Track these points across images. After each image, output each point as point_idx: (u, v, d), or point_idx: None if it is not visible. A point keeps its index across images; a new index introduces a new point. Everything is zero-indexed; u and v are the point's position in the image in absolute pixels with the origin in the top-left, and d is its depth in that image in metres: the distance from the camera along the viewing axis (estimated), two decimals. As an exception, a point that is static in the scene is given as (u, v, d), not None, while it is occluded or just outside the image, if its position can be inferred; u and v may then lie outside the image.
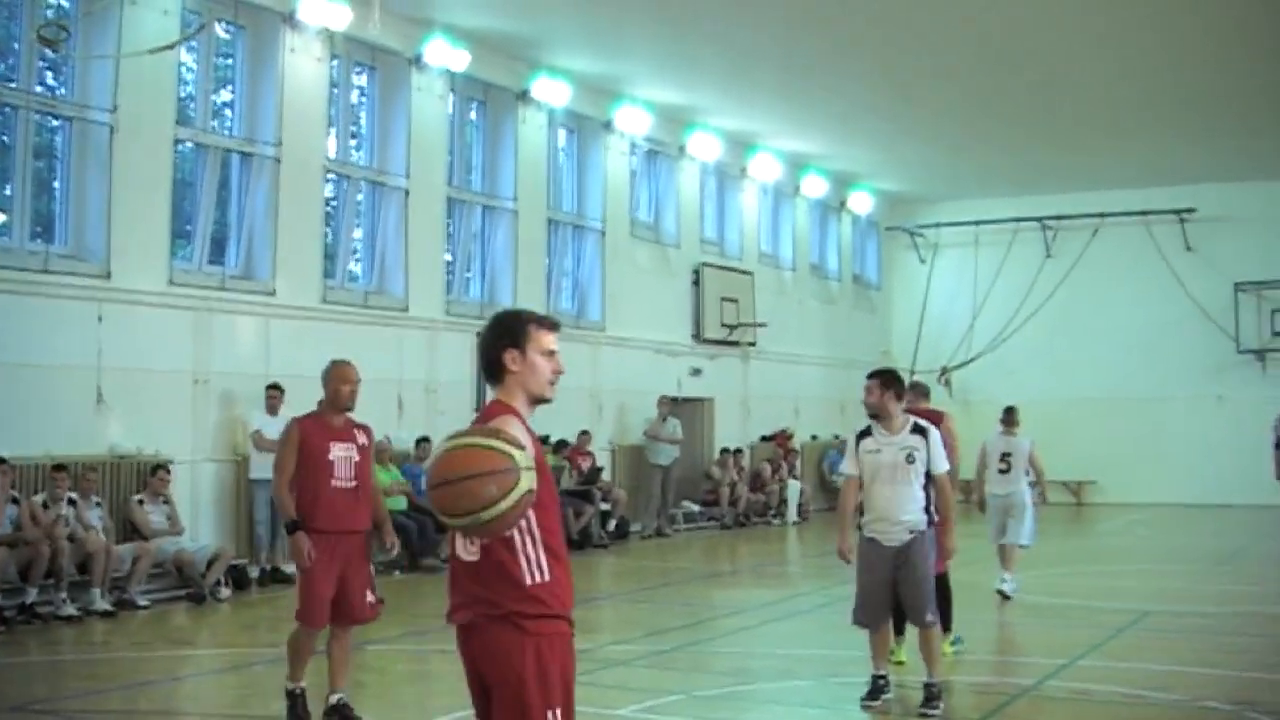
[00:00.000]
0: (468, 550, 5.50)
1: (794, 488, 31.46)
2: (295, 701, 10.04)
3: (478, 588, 5.47)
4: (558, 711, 5.42)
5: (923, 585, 10.75)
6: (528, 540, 5.41)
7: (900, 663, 12.09)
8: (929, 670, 10.77)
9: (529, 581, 5.41)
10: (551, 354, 5.72)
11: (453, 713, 10.59)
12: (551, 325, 5.80)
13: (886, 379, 11.12)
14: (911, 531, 10.75)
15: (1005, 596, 17.15)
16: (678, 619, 16.93)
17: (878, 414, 10.99)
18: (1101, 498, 35.88)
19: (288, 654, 10.21)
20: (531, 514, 5.34)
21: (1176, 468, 34.53)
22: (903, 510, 10.76)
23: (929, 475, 10.85)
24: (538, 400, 5.73)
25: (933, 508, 10.91)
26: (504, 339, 5.67)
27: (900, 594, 10.82)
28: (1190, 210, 36.32)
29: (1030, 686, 11.85)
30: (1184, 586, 19.26)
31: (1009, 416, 18.50)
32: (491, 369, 5.70)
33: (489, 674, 5.49)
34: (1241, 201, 35.87)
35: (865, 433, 11.08)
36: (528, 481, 5.07)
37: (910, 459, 10.77)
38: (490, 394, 5.83)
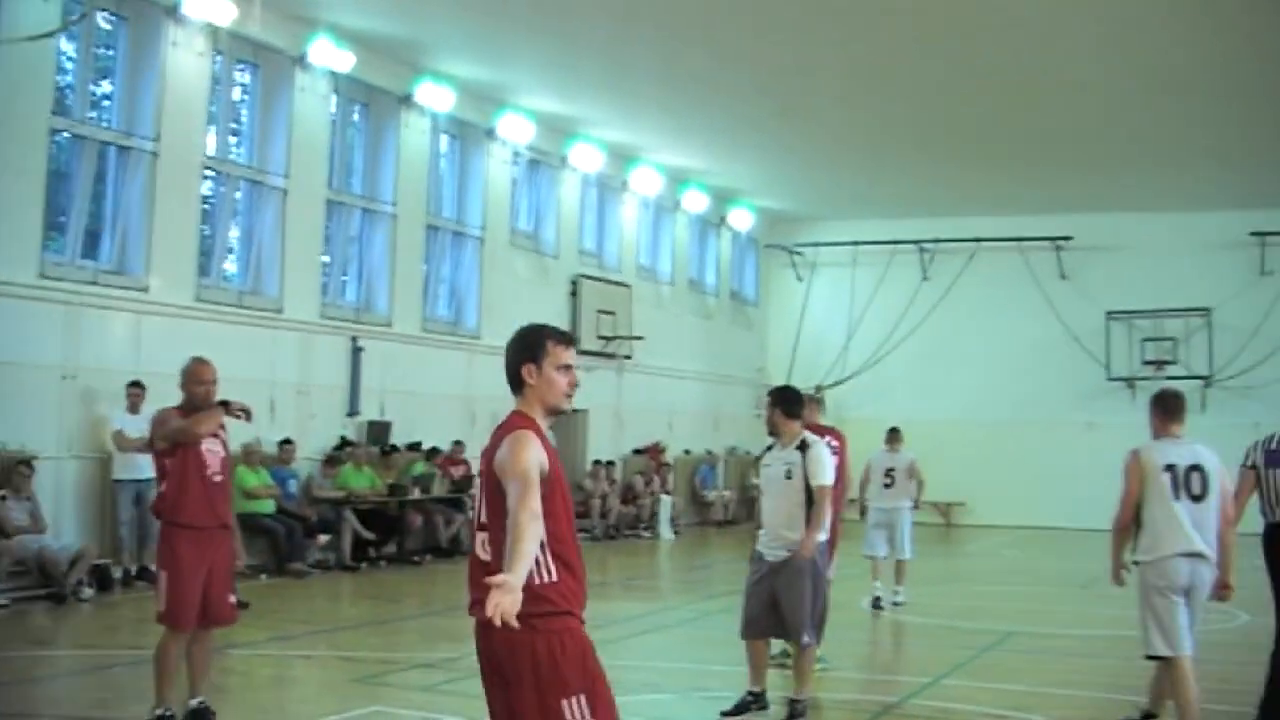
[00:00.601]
0: (484, 550, 5.88)
1: (666, 502, 31.52)
2: None
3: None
4: (580, 699, 5.71)
5: (801, 604, 10.71)
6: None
7: (820, 661, 12.14)
8: (798, 686, 10.85)
9: (537, 582, 5.62)
10: (567, 368, 6.17)
11: (314, 718, 10.52)
12: (568, 341, 6.22)
13: (776, 396, 11.28)
14: (790, 550, 10.77)
15: (879, 608, 18.21)
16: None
17: (770, 432, 11.25)
18: (970, 519, 36.29)
19: (156, 671, 9.88)
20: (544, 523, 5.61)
21: (1044, 492, 34.96)
22: (782, 525, 10.86)
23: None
24: (554, 411, 6.17)
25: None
26: (523, 353, 6.11)
27: (781, 611, 10.79)
28: (1067, 238, 36.95)
29: (894, 704, 11.94)
30: (1047, 608, 19.51)
31: (893, 435, 19.78)
32: (513, 381, 6.14)
33: (506, 668, 5.75)
34: (1116, 232, 36.56)
35: (767, 449, 11.37)
36: None
37: (788, 475, 10.88)
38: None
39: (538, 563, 5.62)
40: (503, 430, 5.96)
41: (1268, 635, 10.34)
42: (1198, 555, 9.76)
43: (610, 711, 5.89)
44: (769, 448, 11.36)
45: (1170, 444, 10.01)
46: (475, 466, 25.52)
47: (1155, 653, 9.92)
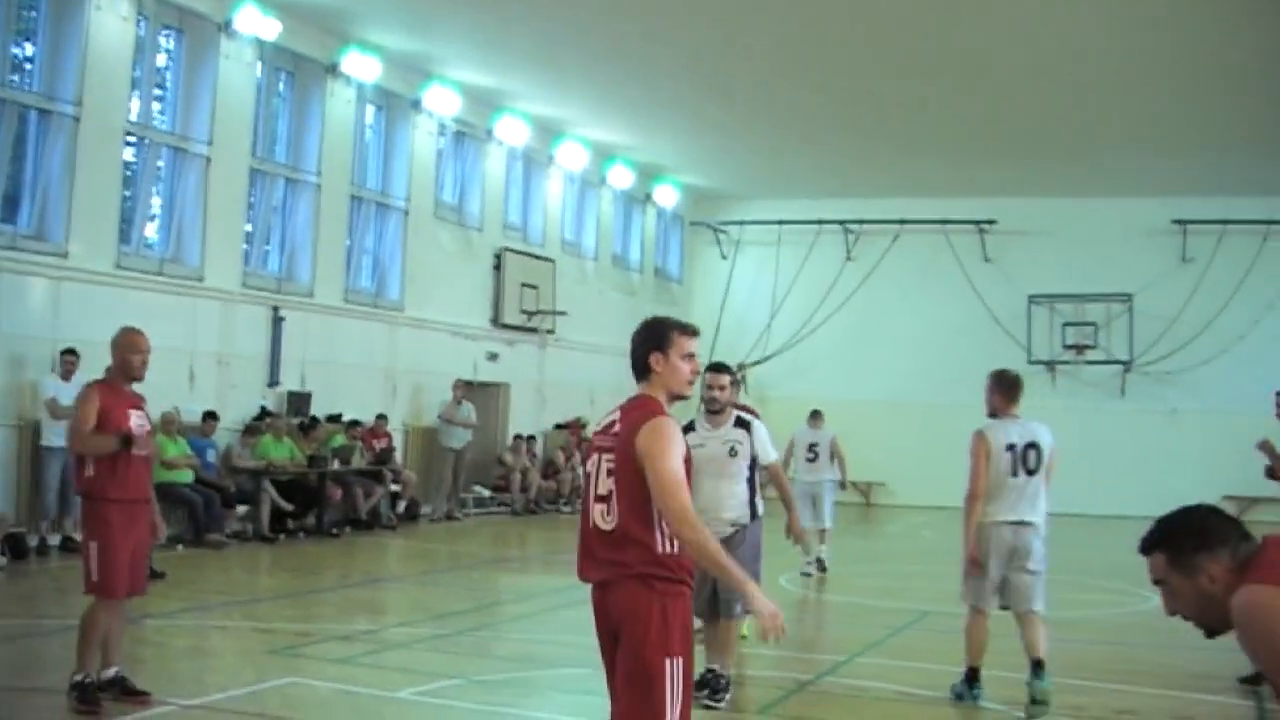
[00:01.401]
0: (604, 520, 6.38)
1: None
2: (86, 689, 9.69)
3: (614, 553, 6.29)
4: (679, 660, 6.18)
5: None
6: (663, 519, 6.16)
7: (743, 637, 12.20)
8: (722, 660, 10.80)
9: (660, 551, 6.20)
10: (690, 357, 6.60)
11: (229, 690, 10.49)
12: (692, 332, 6.66)
13: (731, 373, 11.26)
14: (734, 525, 10.73)
15: (823, 567, 20.17)
16: (463, 603, 16.92)
17: (720, 409, 10.98)
18: (889, 499, 36.55)
19: (81, 639, 9.82)
20: None
21: (963, 473, 35.08)
22: (724, 505, 10.74)
23: (753, 469, 10.90)
24: (676, 397, 6.59)
25: (757, 500, 10.98)
26: (650, 342, 6.60)
27: (718, 584, 10.38)
28: (990, 222, 37.26)
29: (808, 681, 12.02)
30: (962, 589, 19.65)
31: (815, 416, 21.29)
32: (638, 367, 6.62)
33: (621, 624, 6.26)
34: (1039, 217, 36.93)
35: (689, 427, 10.58)
36: None
37: (733, 452, 10.82)
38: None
39: (662, 532, 6.19)
40: (636, 413, 6.42)
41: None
42: (1026, 524, 10.78)
43: (691, 680, 6.37)
44: (689, 426, 10.51)
45: (1011, 424, 10.91)
46: (396, 439, 25.68)
47: (965, 602, 11.06)
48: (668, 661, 6.14)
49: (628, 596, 6.20)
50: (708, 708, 10.36)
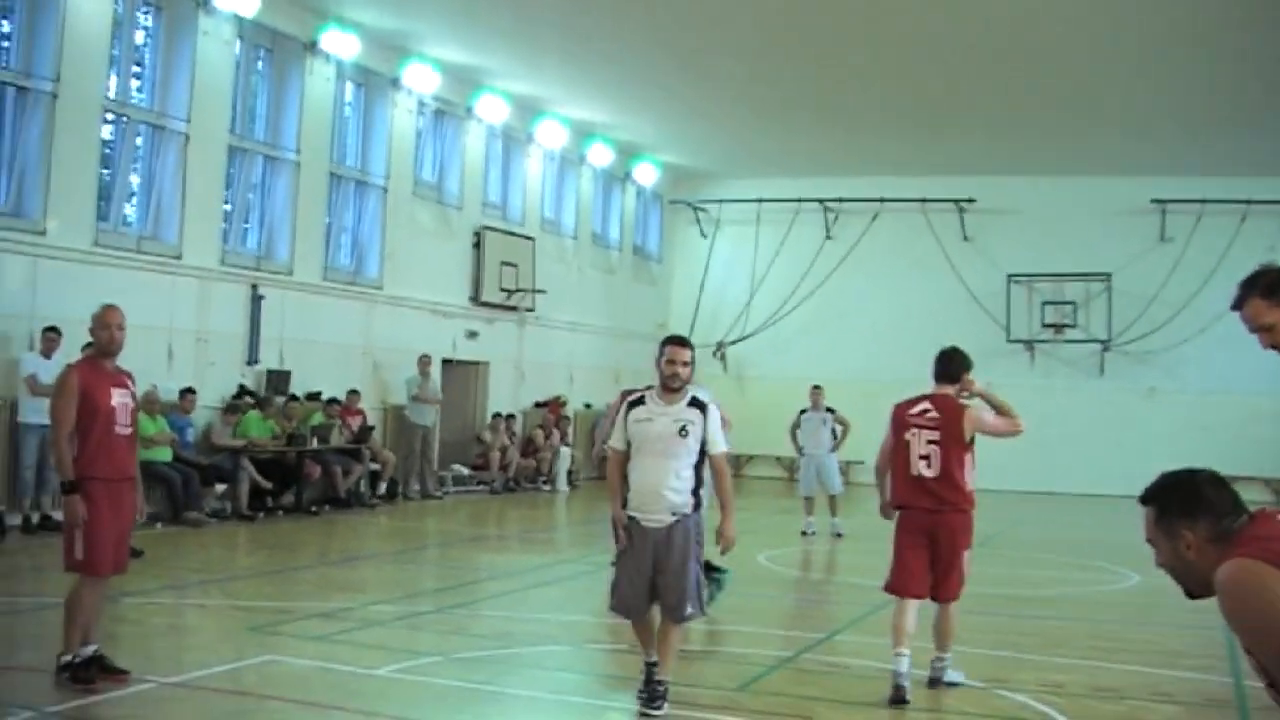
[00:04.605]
0: (930, 469, 10.73)
1: (565, 455, 31.56)
2: (76, 667, 9.70)
3: (943, 491, 10.69)
4: (969, 552, 10.79)
5: (684, 577, 9.78)
6: (971, 467, 10.76)
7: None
8: (662, 665, 9.91)
9: (967, 489, 10.74)
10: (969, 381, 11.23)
11: (207, 667, 10.48)
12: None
13: (687, 345, 10.14)
14: (675, 514, 9.78)
15: (839, 535, 22.56)
16: (441, 581, 16.96)
17: (678, 386, 9.94)
18: (869, 478, 36.46)
19: (67, 618, 9.85)
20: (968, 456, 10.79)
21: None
22: (665, 486, 9.76)
23: (702, 456, 9.88)
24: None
25: (701, 490, 9.96)
26: (964, 366, 11.03)
27: (658, 583, 9.83)
28: (970, 200, 37.28)
29: (789, 658, 12.07)
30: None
31: (817, 389, 23.79)
32: (953, 378, 10.93)
33: (942, 534, 10.71)
34: (1018, 196, 36.99)
35: (638, 401, 10.05)
36: None
37: (684, 432, 9.77)
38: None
39: (969, 478, 10.77)
40: (950, 403, 10.87)
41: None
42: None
43: None
44: (637, 401, 10.10)
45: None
46: (372, 418, 25.62)
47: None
48: (965, 554, 10.77)
49: (952, 520, 10.70)
50: (645, 716, 9.67)
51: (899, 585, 10.84)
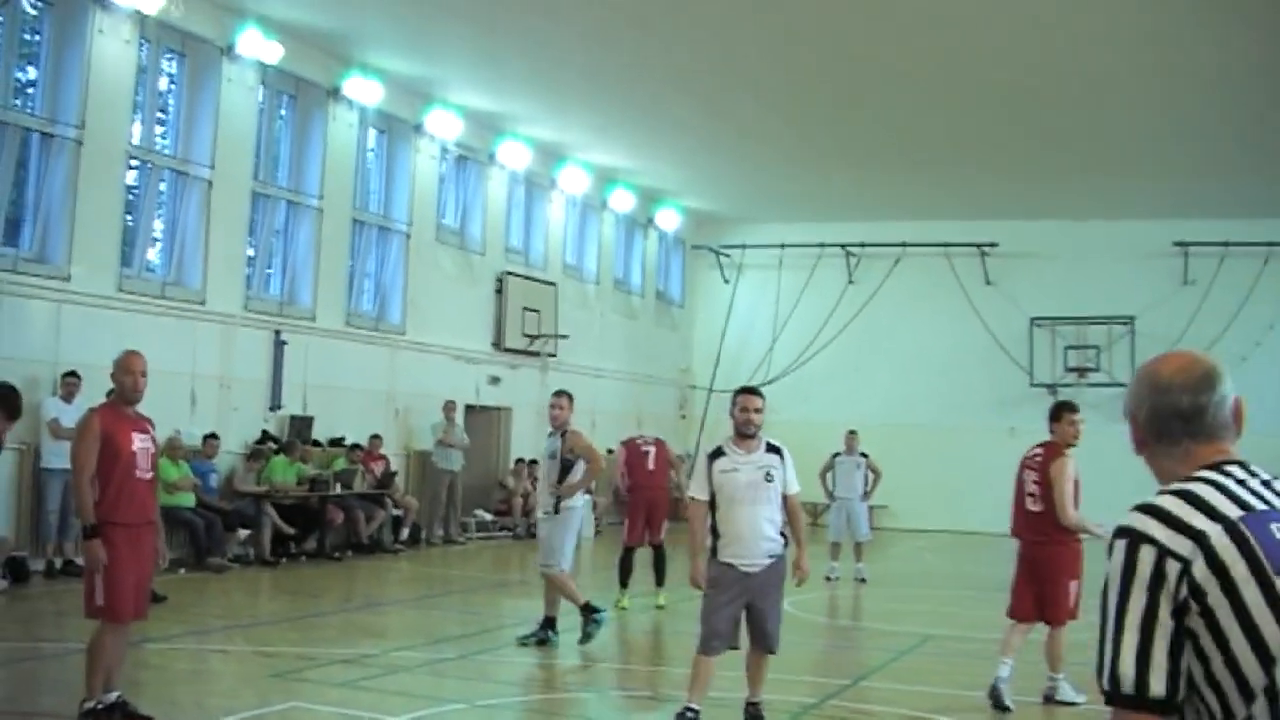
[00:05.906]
0: (1036, 504, 11.88)
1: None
2: (98, 715, 9.65)
3: (1044, 527, 11.81)
4: (1077, 583, 11.85)
5: (777, 611, 10.64)
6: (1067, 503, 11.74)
7: (623, 608, 12.30)
8: (754, 690, 10.85)
9: (1063, 522, 11.68)
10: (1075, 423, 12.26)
11: (230, 714, 10.45)
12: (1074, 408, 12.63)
13: (763, 399, 10.83)
14: (770, 555, 10.41)
15: (864, 580, 22.53)
16: (463, 627, 16.88)
17: (754, 433, 10.55)
18: (892, 523, 36.40)
19: (89, 665, 9.79)
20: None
21: (966, 496, 35.00)
22: (762, 534, 10.35)
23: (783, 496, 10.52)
24: (1069, 445, 12.14)
25: (785, 529, 10.58)
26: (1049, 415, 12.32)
27: (752, 619, 10.52)
28: (992, 245, 37.24)
29: (813, 705, 12.00)
30: (966, 612, 19.60)
31: (852, 434, 23.62)
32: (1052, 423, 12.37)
33: (1046, 571, 11.86)
34: (1041, 239, 36.90)
35: (718, 453, 10.58)
36: None
37: (769, 478, 10.38)
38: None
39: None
40: (1051, 451, 12.04)
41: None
42: None
43: None
44: (717, 452, 10.62)
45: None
46: (395, 463, 25.60)
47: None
48: (1071, 584, 11.85)
49: (1054, 552, 11.84)
50: None
51: (1009, 609, 12.26)
